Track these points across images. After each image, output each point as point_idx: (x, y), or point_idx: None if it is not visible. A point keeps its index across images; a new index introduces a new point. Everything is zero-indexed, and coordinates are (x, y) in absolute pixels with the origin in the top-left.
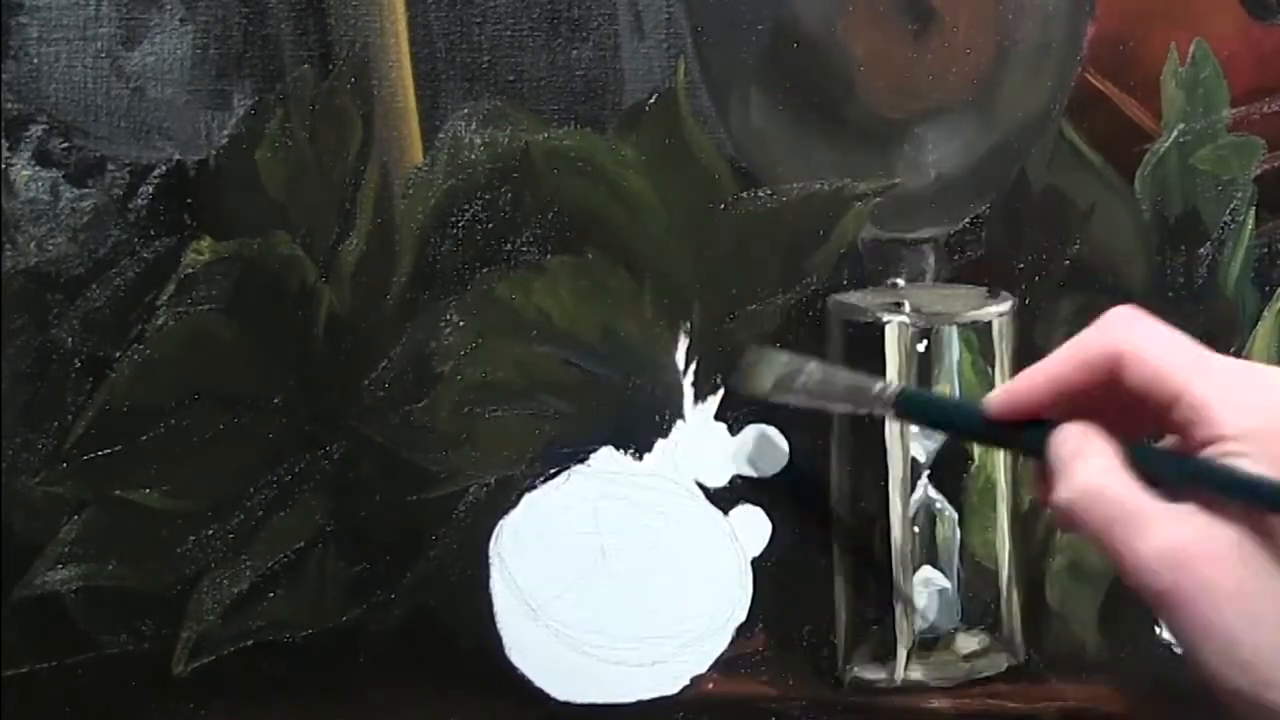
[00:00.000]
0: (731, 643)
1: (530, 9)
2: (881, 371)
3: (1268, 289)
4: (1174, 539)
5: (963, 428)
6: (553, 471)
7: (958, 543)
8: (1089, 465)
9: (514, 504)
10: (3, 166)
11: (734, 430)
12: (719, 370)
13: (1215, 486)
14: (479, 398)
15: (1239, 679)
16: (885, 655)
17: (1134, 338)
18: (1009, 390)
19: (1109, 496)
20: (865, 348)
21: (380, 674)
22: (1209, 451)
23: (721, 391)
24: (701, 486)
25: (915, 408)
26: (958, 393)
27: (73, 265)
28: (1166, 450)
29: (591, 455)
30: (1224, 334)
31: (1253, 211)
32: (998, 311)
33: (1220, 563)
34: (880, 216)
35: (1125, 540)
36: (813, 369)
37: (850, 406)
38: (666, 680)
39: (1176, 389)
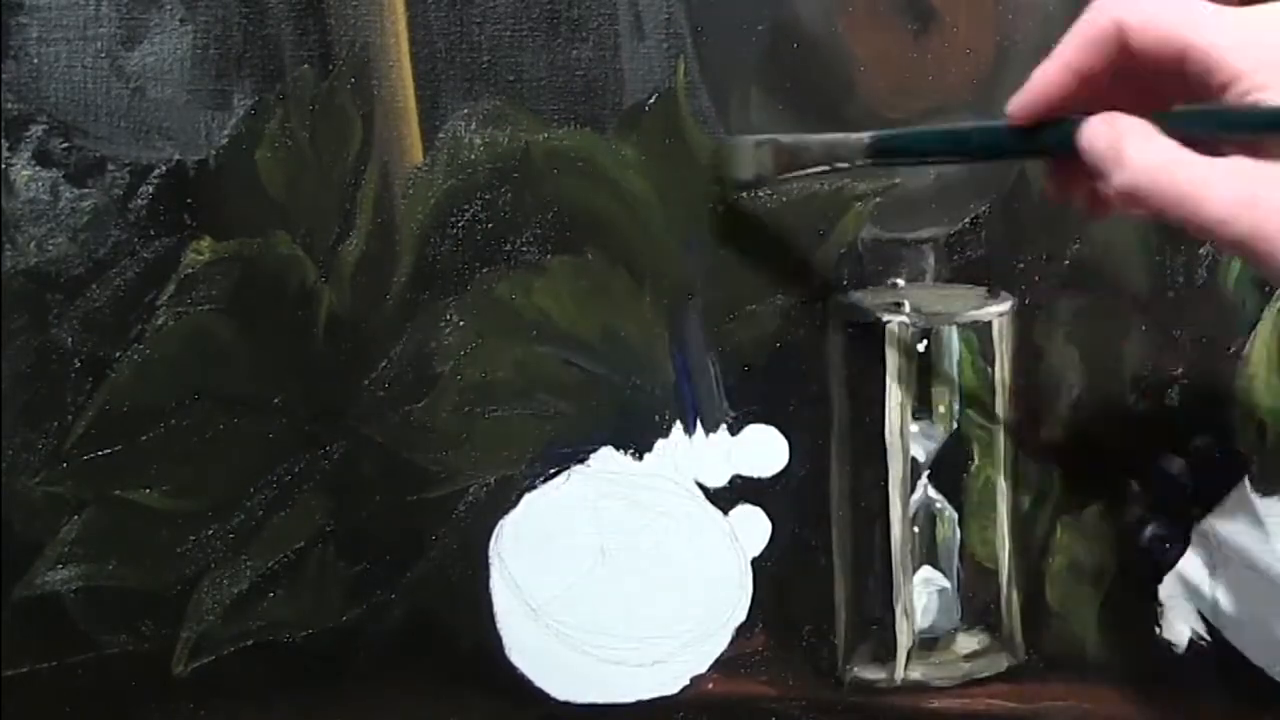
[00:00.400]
0: (731, 643)
1: (530, 9)
2: (881, 372)
3: (1267, 289)
4: (1238, 189)
5: (956, 150)
6: (553, 471)
7: (958, 543)
8: (1140, 145)
9: (514, 504)
10: (3, 166)
11: (734, 430)
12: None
13: (1246, 127)
14: (479, 398)
15: None
16: (885, 655)
17: (1131, 4)
18: (1027, 90)
19: (1172, 169)
20: (865, 348)
21: (380, 674)
22: (1229, 95)
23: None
24: (701, 486)
25: (890, 145)
26: (958, 393)
27: (73, 265)
28: (1193, 109)
29: (591, 455)
30: (1224, 334)
31: None
32: (998, 311)
33: None
34: (880, 216)
35: (1195, 204)
36: (785, 142)
37: (829, 164)
38: (666, 680)
39: (1182, 42)
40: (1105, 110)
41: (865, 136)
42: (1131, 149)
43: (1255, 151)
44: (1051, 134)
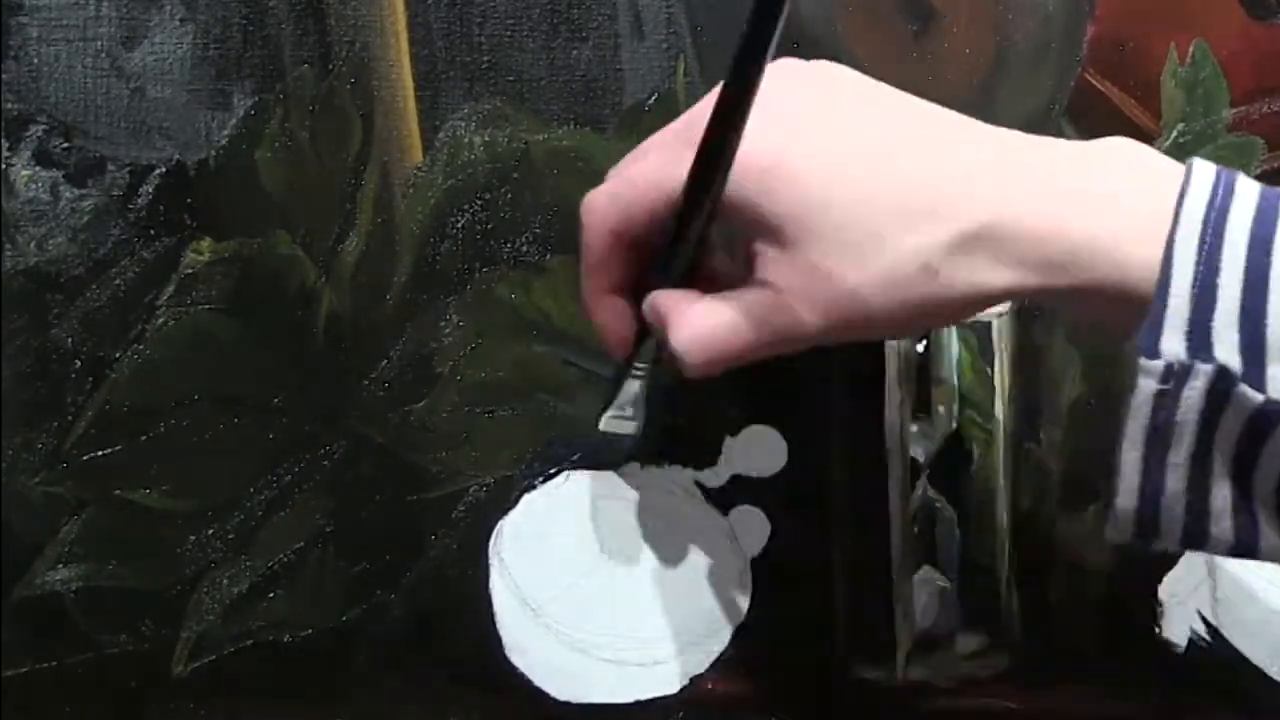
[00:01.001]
0: (731, 643)
1: (530, 9)
2: (881, 372)
3: None
4: (766, 309)
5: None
6: (553, 471)
7: (958, 543)
8: (678, 322)
9: (514, 504)
10: (3, 166)
11: (734, 430)
12: None
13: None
14: (479, 398)
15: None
16: (885, 655)
17: (600, 202)
18: (597, 324)
19: (709, 330)
20: (865, 348)
21: (380, 674)
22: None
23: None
24: (701, 486)
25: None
26: (958, 393)
27: (73, 265)
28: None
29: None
30: None
31: None
32: (997, 311)
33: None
34: None
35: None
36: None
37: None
38: (666, 680)
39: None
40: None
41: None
42: (674, 332)
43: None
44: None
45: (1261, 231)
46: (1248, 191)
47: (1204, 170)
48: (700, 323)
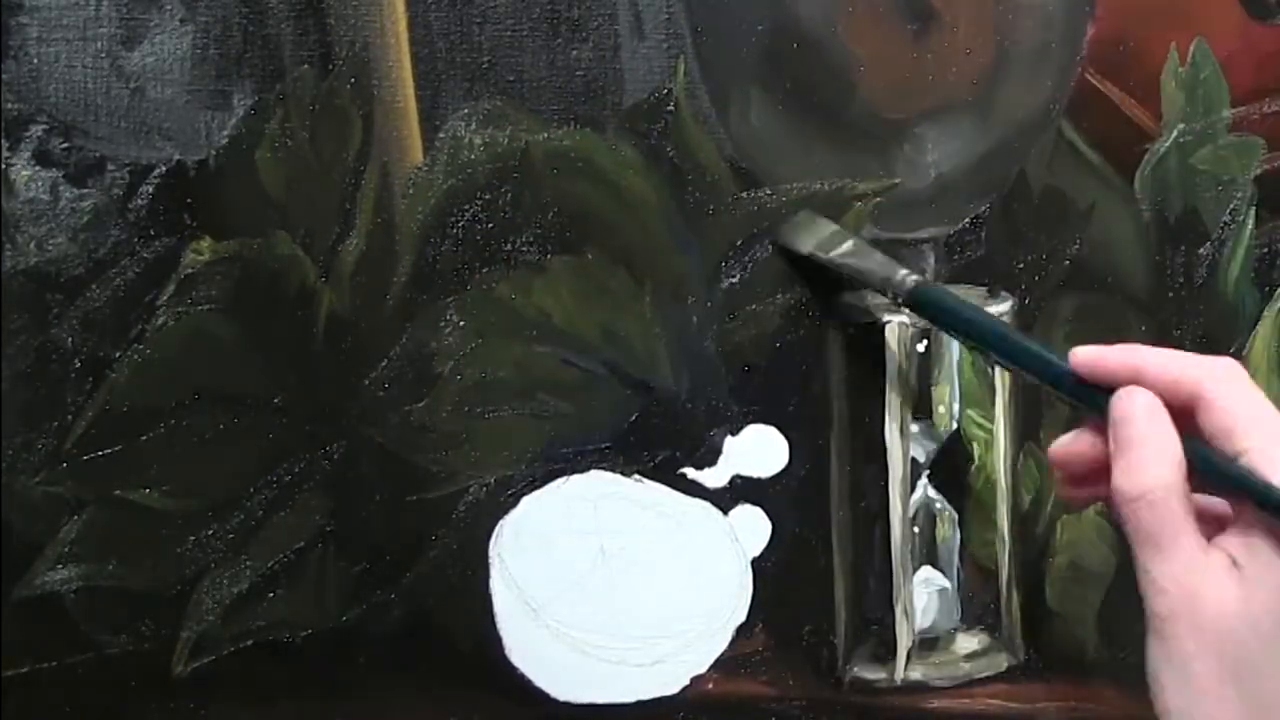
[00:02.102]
0: (731, 643)
1: (530, 9)
2: (881, 372)
3: (1268, 289)
4: (1190, 570)
5: (991, 344)
6: (553, 471)
7: (958, 543)
8: (1156, 464)
9: (514, 504)
10: (3, 166)
11: (734, 430)
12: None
13: (1254, 495)
14: (479, 398)
15: None
16: (885, 655)
17: (1219, 385)
18: (1099, 351)
19: (1161, 509)
20: (865, 348)
21: (380, 674)
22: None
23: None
24: (701, 486)
25: (930, 305)
26: (958, 393)
27: (73, 265)
28: (1219, 454)
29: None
30: (1224, 334)
31: (1253, 211)
32: (997, 311)
33: (1220, 614)
34: (880, 216)
35: (1151, 554)
36: (851, 245)
37: (874, 285)
38: (666, 680)
39: (1243, 445)
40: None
41: (911, 280)
42: (1152, 464)
43: (1248, 567)
44: (1092, 397)
45: None
46: None
47: None
48: (1184, 579)
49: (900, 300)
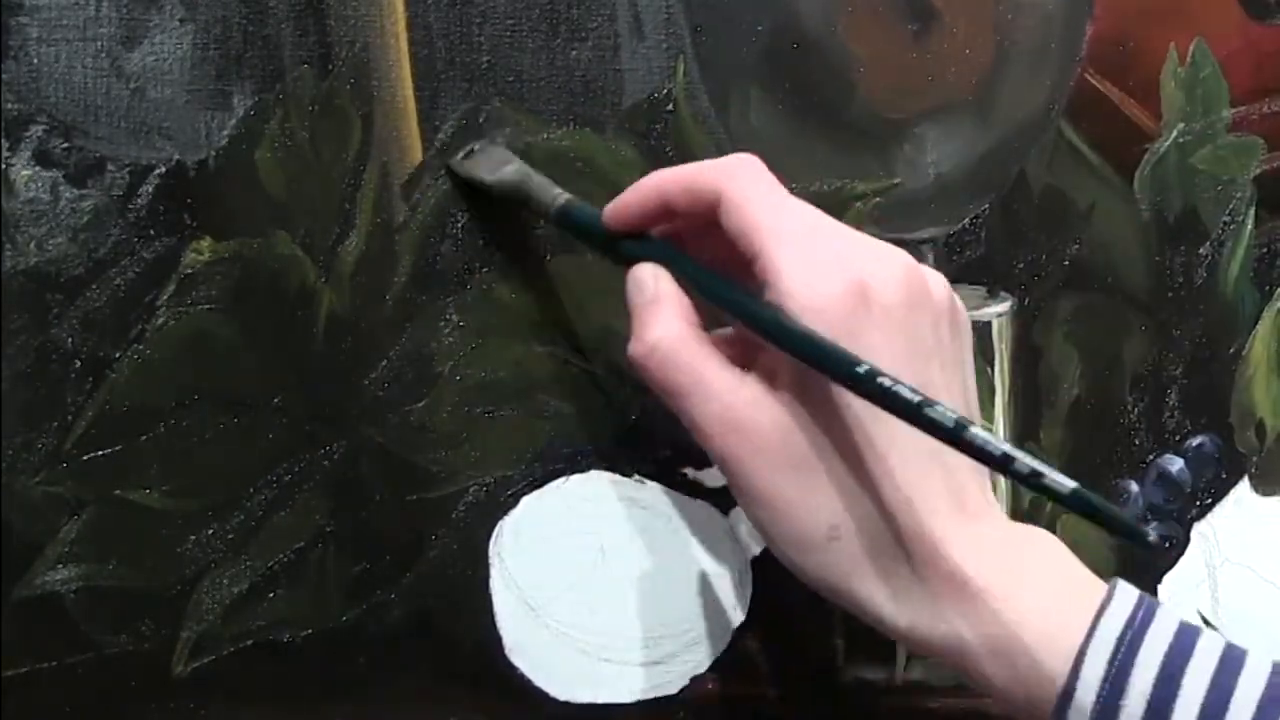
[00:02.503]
0: (731, 643)
1: (530, 9)
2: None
3: (1267, 289)
4: (729, 409)
5: (598, 244)
6: (553, 471)
7: None
8: (659, 321)
9: (514, 504)
10: (3, 166)
11: None
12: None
13: (763, 328)
14: (479, 398)
15: (795, 552)
16: (885, 655)
17: (735, 183)
18: (623, 199)
19: (674, 358)
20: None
21: (380, 674)
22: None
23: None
24: (701, 486)
25: (571, 221)
26: None
27: (73, 265)
28: (731, 285)
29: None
30: (1223, 334)
31: (1253, 211)
32: (997, 311)
33: (771, 434)
34: (880, 216)
35: (687, 403)
36: (515, 168)
37: (533, 207)
38: (666, 680)
39: (758, 247)
40: (696, 245)
41: (560, 198)
42: (655, 324)
43: (771, 379)
44: (630, 249)
45: (1171, 665)
46: (1167, 621)
47: (1126, 592)
48: (727, 415)
49: (551, 219)
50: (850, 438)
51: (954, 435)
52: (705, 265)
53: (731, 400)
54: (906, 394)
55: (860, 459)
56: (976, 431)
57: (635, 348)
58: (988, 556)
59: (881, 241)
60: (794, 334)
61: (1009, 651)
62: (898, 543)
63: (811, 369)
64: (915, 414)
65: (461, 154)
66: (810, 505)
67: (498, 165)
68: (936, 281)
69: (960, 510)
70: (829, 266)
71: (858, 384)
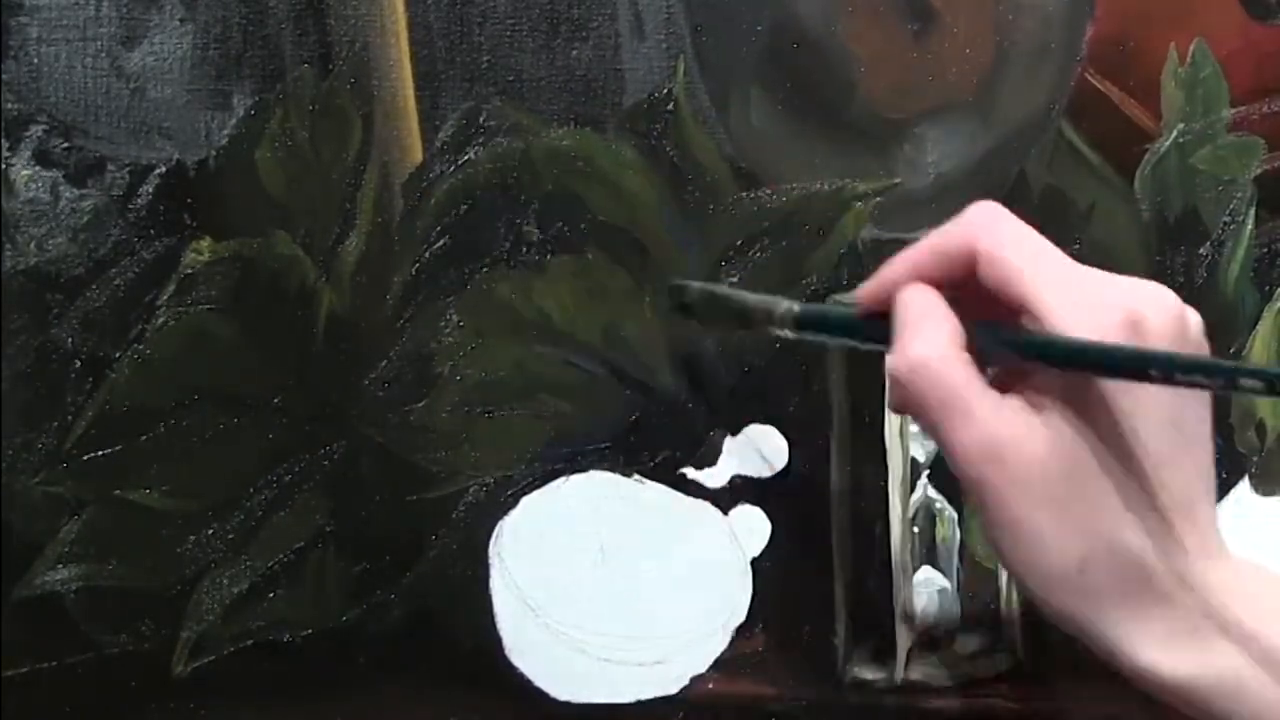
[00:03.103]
0: (731, 643)
1: (530, 9)
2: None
3: (1268, 289)
4: (991, 430)
5: (855, 336)
6: (553, 471)
7: (958, 543)
8: (925, 338)
9: (514, 504)
10: (3, 166)
11: (734, 430)
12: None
13: (1046, 355)
14: (479, 398)
15: (1041, 585)
16: (885, 655)
17: (988, 236)
18: (875, 279)
19: (937, 377)
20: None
21: (380, 674)
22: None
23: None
24: (701, 486)
25: (812, 322)
26: None
27: (73, 265)
28: (1005, 326)
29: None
30: (1224, 334)
31: (1253, 211)
32: None
33: (1032, 459)
34: (880, 216)
35: (947, 425)
36: (722, 291)
37: (761, 326)
38: (666, 680)
39: (1026, 294)
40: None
41: (795, 308)
42: (918, 340)
43: (1038, 405)
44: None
45: None
46: None
47: None
48: (986, 440)
49: (785, 330)
50: (1110, 473)
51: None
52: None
53: (994, 426)
54: (1220, 362)
55: (1117, 496)
56: None
57: (897, 361)
58: (1247, 598)
59: (1140, 279)
60: (1077, 347)
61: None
62: (1150, 582)
63: (1080, 395)
64: (1231, 378)
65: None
66: (1063, 538)
67: (706, 299)
68: (1194, 316)
69: (1208, 554)
70: (1099, 303)
71: (1170, 372)
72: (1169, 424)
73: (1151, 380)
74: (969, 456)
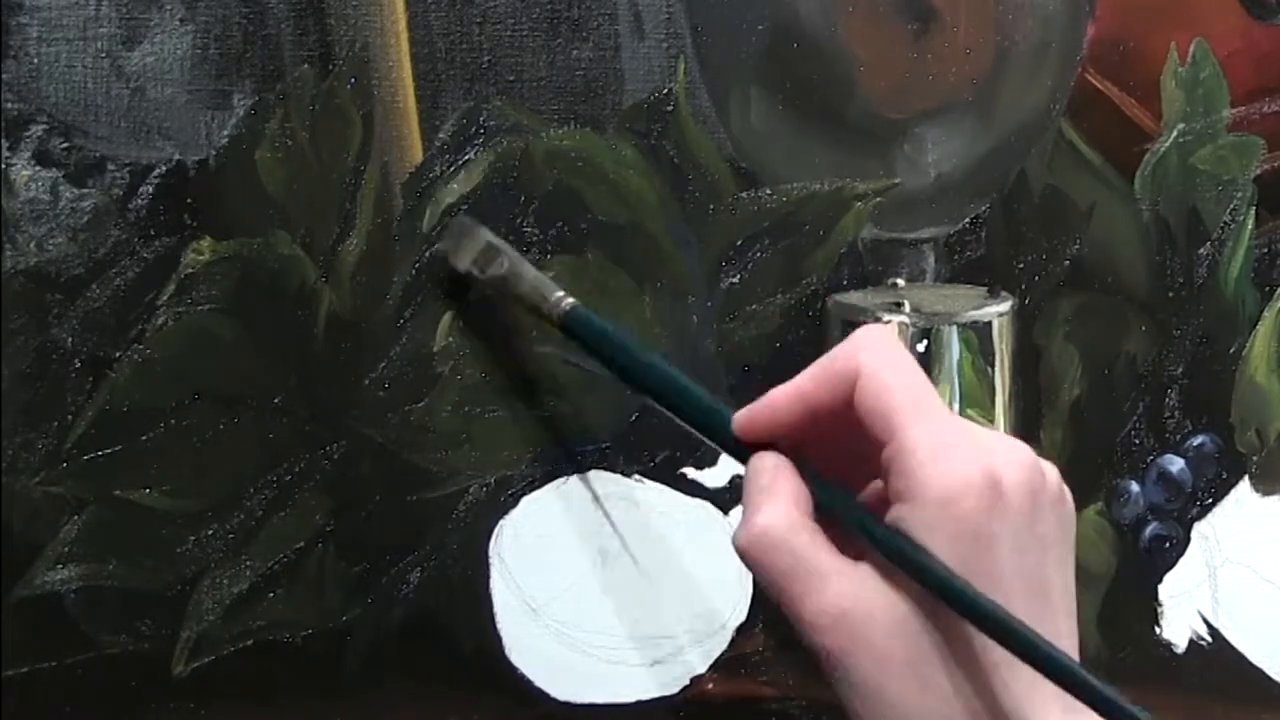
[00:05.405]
0: (731, 643)
1: (530, 9)
2: None
3: (1268, 289)
4: (840, 600)
5: (642, 384)
6: (553, 471)
7: None
8: (771, 509)
9: (514, 504)
10: (3, 166)
11: None
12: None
13: (886, 553)
14: (479, 398)
15: None
16: None
17: (873, 363)
18: (755, 408)
19: (783, 548)
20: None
21: (380, 674)
22: (897, 510)
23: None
24: (701, 486)
25: (583, 331)
26: (958, 393)
27: (73, 265)
28: (854, 501)
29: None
30: (1223, 334)
31: (1253, 211)
32: (998, 311)
33: (885, 629)
34: (880, 216)
35: (795, 596)
36: (506, 259)
37: (530, 306)
38: (666, 680)
39: (896, 427)
40: (826, 446)
41: (565, 303)
42: (764, 512)
43: (888, 572)
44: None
45: None
46: None
47: None
48: (837, 607)
49: (555, 323)
50: (964, 636)
51: (1067, 679)
52: (828, 461)
53: (842, 589)
54: (1029, 636)
55: (974, 658)
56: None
57: (741, 534)
58: None
59: (1000, 435)
60: (914, 562)
61: None
62: None
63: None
64: (1034, 656)
65: (444, 238)
66: (920, 703)
67: (486, 255)
68: (1050, 471)
69: (1070, 712)
70: (962, 454)
71: (980, 621)
72: (1024, 586)
73: (974, 623)
74: (817, 628)
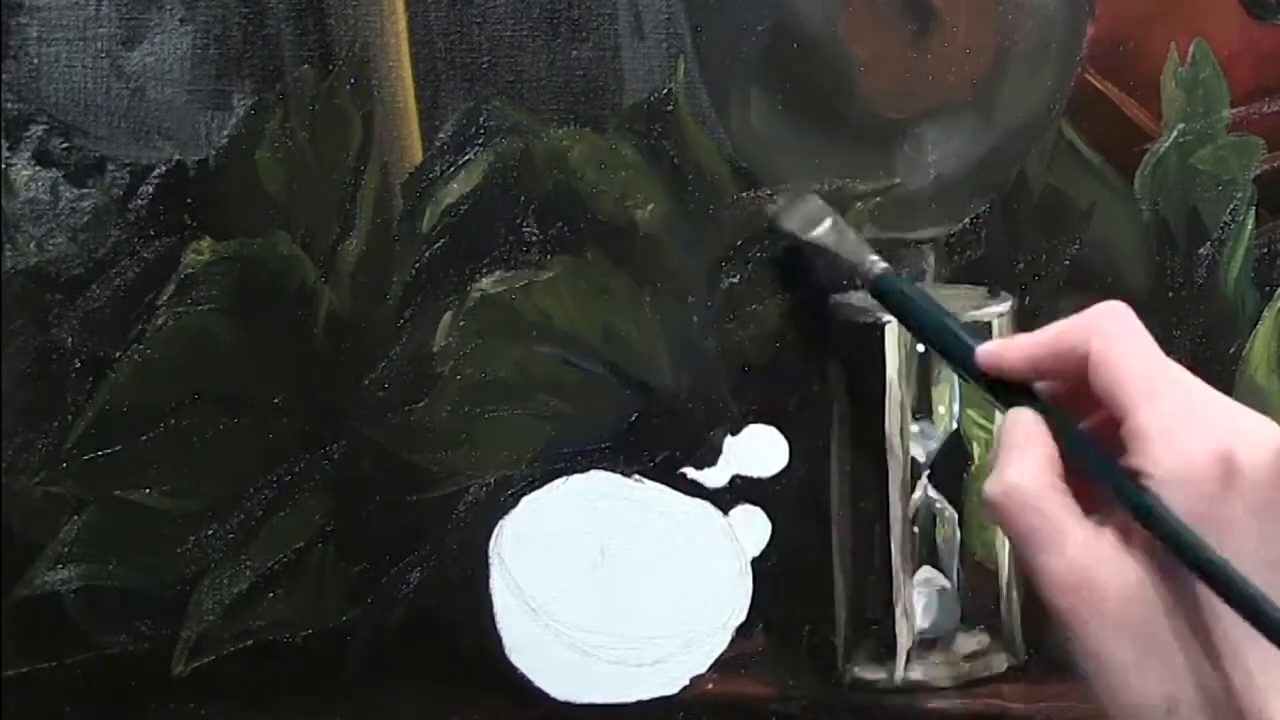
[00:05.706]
0: (731, 643)
1: (530, 9)
2: (881, 372)
3: (1268, 289)
4: (1079, 563)
5: (936, 342)
6: (553, 471)
7: (958, 543)
8: (1023, 465)
9: (514, 504)
10: (3, 166)
11: (734, 430)
12: None
13: (1136, 513)
14: (479, 398)
15: (1122, 716)
16: (885, 655)
17: (1105, 342)
18: (1001, 350)
19: (1028, 504)
20: (865, 348)
21: (380, 674)
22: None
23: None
24: (701, 486)
25: (891, 296)
26: (958, 394)
27: (73, 265)
28: (1109, 458)
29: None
30: (1223, 334)
31: (1253, 211)
32: (998, 311)
33: (1120, 595)
34: (880, 216)
35: (1036, 553)
36: (830, 224)
37: (849, 266)
38: (666, 680)
39: (1126, 408)
40: (1061, 394)
41: (878, 268)
42: (1015, 467)
43: (1128, 537)
44: (999, 393)
45: None
46: None
47: None
48: (1078, 570)
49: (864, 286)
50: (1199, 609)
51: None
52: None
53: (1083, 555)
54: (1261, 603)
55: (1207, 632)
56: None
57: (992, 486)
58: None
59: (1251, 410)
60: (1161, 520)
61: None
62: None
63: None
64: (1262, 622)
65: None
66: (1149, 672)
67: (811, 220)
68: None
69: None
70: (1192, 436)
71: (1213, 581)
72: (1266, 566)
73: (1208, 584)
74: (1056, 586)
